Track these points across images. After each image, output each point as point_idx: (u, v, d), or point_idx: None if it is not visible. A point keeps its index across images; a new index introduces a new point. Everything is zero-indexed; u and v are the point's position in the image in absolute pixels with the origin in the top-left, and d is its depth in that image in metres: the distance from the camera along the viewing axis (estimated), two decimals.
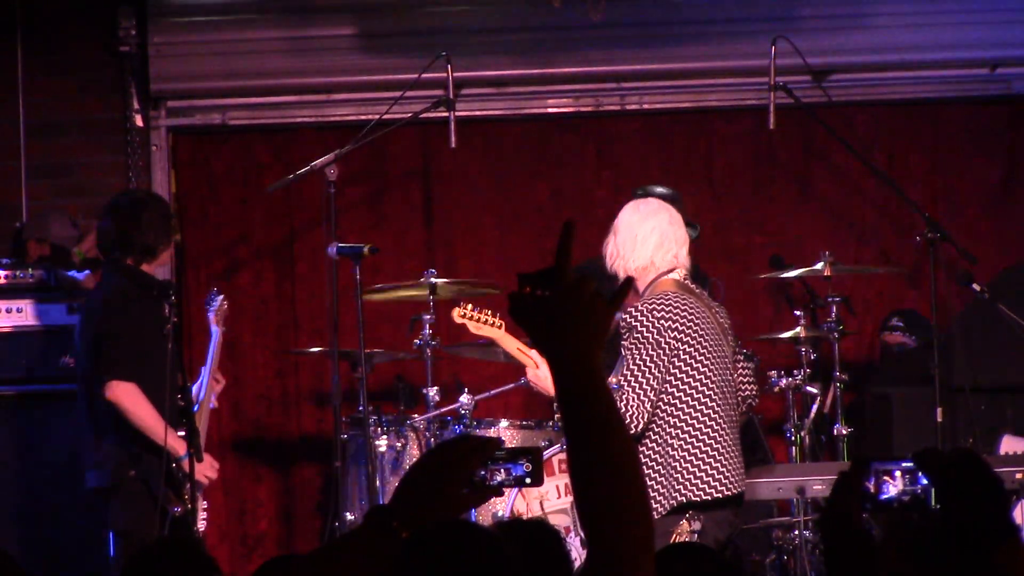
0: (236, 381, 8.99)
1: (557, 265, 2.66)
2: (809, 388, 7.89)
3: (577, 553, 6.15)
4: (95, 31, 8.98)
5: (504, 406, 8.60)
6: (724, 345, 6.36)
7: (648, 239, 6.36)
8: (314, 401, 9.22)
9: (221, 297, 7.47)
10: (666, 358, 6.17)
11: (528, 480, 2.84)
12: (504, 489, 2.86)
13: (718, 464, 6.18)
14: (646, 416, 6.15)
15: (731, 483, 6.22)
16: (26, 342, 7.83)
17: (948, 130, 9.29)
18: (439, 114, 7.83)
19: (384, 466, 7.63)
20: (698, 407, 6.19)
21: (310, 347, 8.88)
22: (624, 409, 6.09)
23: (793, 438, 7.92)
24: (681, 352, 6.19)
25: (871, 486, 2.98)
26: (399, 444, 7.66)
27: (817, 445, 8.15)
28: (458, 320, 7.07)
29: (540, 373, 6.53)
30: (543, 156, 9.30)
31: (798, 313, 8.00)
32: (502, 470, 2.84)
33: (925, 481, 2.95)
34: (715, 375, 6.25)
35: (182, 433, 6.69)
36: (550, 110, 9.33)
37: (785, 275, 8.12)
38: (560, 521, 7.04)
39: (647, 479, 6.07)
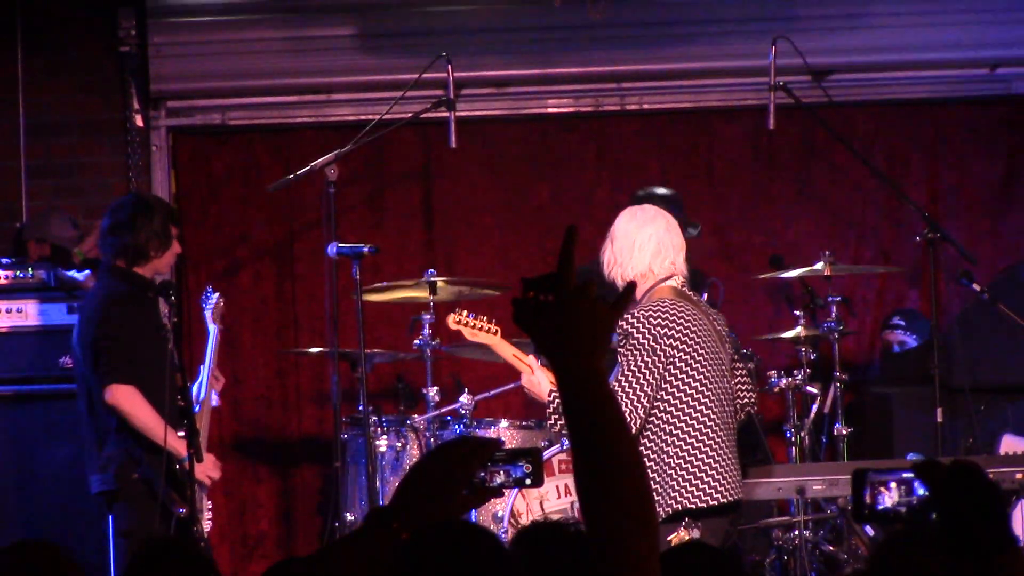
0: (236, 381, 8.99)
1: (560, 270, 2.66)
2: (809, 388, 7.89)
3: None
4: (95, 31, 8.98)
5: (504, 406, 8.59)
6: (721, 352, 6.33)
7: (645, 246, 6.34)
8: (314, 401, 9.21)
9: (217, 295, 7.46)
10: (661, 365, 6.15)
11: (528, 481, 2.84)
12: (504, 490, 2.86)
13: (714, 471, 6.16)
14: (638, 422, 6.13)
15: (727, 491, 6.19)
16: (26, 342, 7.83)
17: (948, 130, 9.29)
18: (439, 114, 7.83)
19: (384, 466, 7.62)
20: (694, 414, 6.17)
21: (310, 347, 8.87)
22: None
23: (793, 438, 7.92)
24: (677, 359, 6.17)
25: (867, 496, 2.96)
26: (399, 444, 7.65)
27: (817, 445, 8.14)
28: (453, 327, 7.05)
29: (534, 379, 6.52)
30: (543, 156, 9.30)
31: (798, 313, 7.99)
32: (502, 471, 2.84)
33: (922, 491, 2.94)
34: (712, 382, 6.23)
35: (182, 434, 6.69)
36: (550, 110, 9.33)
37: (785, 275, 8.10)
38: None
39: None
